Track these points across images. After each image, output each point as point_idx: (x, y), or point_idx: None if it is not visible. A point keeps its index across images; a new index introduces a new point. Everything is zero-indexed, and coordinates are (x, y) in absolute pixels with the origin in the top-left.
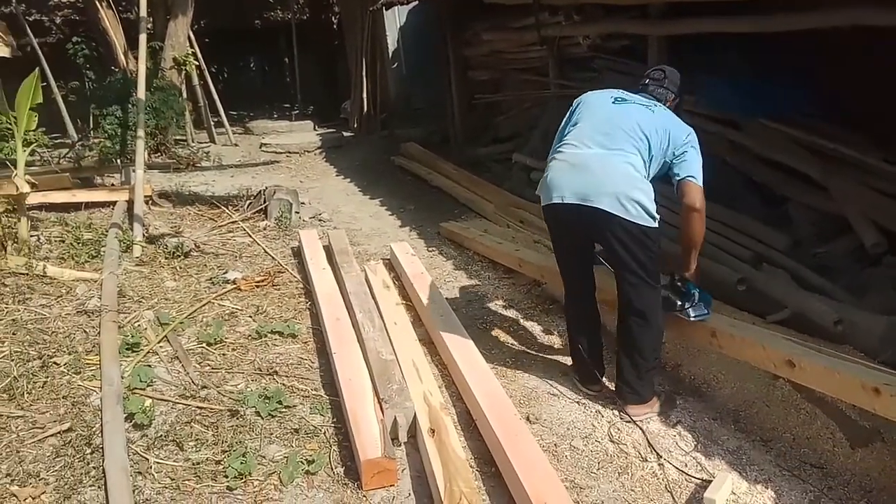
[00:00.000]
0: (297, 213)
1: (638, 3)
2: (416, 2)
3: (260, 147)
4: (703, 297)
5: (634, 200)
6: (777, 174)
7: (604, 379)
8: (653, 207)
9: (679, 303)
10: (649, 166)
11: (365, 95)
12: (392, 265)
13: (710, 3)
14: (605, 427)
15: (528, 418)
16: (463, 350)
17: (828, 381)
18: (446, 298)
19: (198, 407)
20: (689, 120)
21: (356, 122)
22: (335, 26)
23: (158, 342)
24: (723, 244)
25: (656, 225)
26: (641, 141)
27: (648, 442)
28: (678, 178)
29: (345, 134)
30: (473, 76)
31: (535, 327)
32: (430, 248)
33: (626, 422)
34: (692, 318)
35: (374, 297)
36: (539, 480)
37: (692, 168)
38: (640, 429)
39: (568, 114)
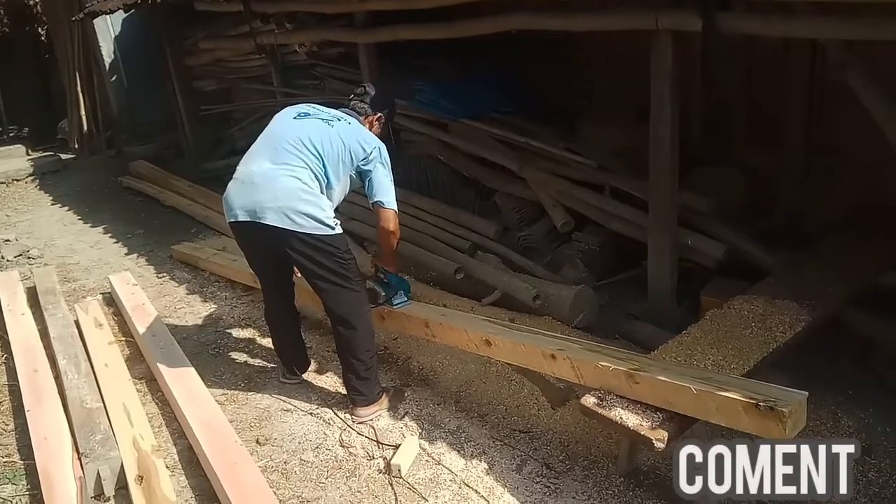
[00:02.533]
0: None
1: (343, 12)
2: (124, 11)
3: None
4: (402, 285)
5: (302, 213)
6: (484, 169)
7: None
8: (326, 216)
9: (383, 293)
10: (325, 179)
11: (83, 112)
12: (113, 299)
13: (404, 12)
14: (336, 434)
15: (257, 441)
16: (183, 382)
17: (517, 354)
18: (176, 326)
19: None
20: (405, 124)
21: (76, 142)
22: (43, 38)
23: None
24: (443, 237)
25: (336, 232)
26: (310, 155)
27: (377, 440)
28: (371, 202)
29: (63, 156)
30: (200, 86)
31: (271, 343)
32: (160, 275)
33: (358, 423)
34: (395, 306)
35: (83, 339)
36: None
37: (381, 191)
38: (372, 428)
39: None
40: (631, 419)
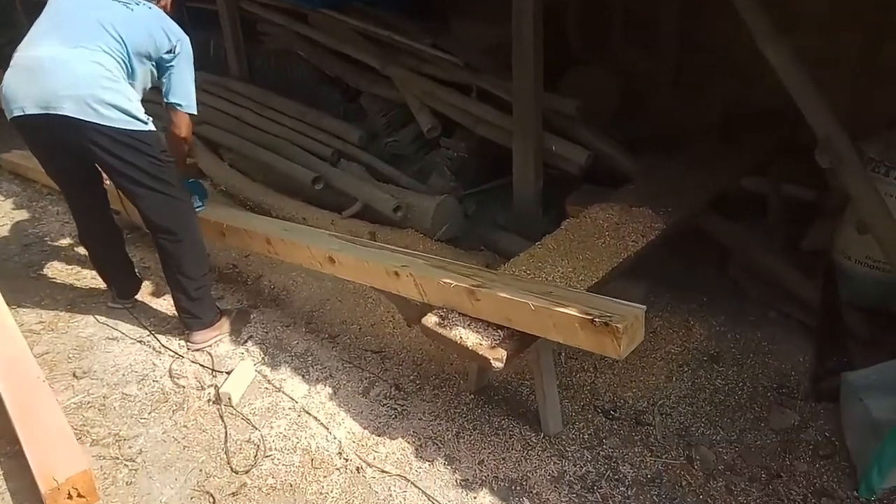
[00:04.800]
0: None
1: None
2: None
3: None
4: (195, 189)
5: (107, 103)
6: (349, 66)
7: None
8: (136, 108)
9: None
10: (130, 70)
11: None
12: None
13: None
14: (166, 363)
15: (74, 374)
16: None
17: (360, 272)
18: None
19: None
20: (260, 13)
21: None
22: None
23: None
24: (304, 143)
25: (149, 128)
26: (114, 41)
27: (212, 367)
28: (166, 102)
29: None
30: None
31: None
32: None
33: (193, 350)
34: None
35: None
36: (52, 452)
37: (179, 91)
38: (209, 355)
39: None
40: (471, 338)
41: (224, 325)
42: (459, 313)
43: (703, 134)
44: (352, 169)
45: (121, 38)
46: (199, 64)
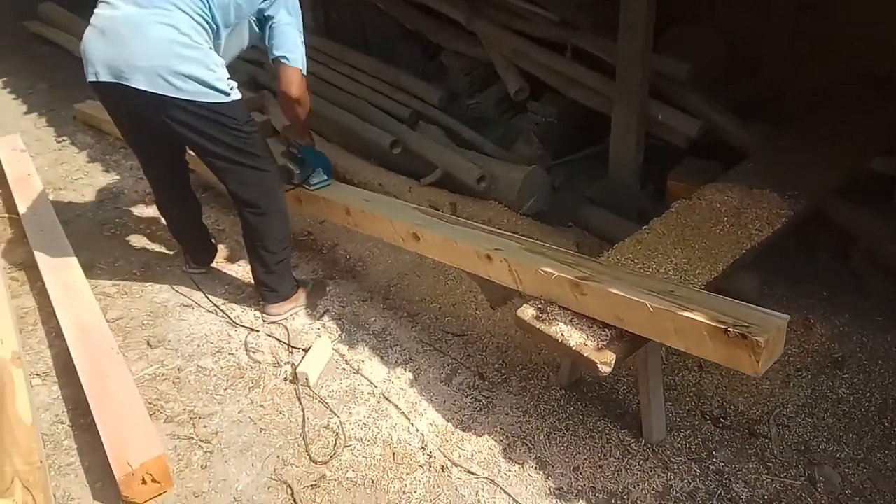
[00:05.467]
0: None
1: None
2: None
3: None
4: (320, 161)
5: (183, 74)
6: (431, 20)
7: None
8: (217, 77)
9: (297, 172)
10: (214, 29)
11: None
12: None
13: None
14: (242, 335)
15: (148, 342)
16: (59, 273)
17: (448, 252)
18: (69, 202)
19: None
20: None
21: None
22: None
23: None
24: (381, 102)
25: (231, 99)
26: None
27: (288, 343)
28: (271, 57)
29: None
30: None
31: None
32: (60, 138)
33: (269, 323)
34: (312, 188)
35: None
36: (126, 434)
37: (285, 44)
38: (285, 328)
39: None
40: (574, 336)
41: (300, 297)
42: (560, 306)
43: (824, 102)
44: (431, 132)
45: None
46: None
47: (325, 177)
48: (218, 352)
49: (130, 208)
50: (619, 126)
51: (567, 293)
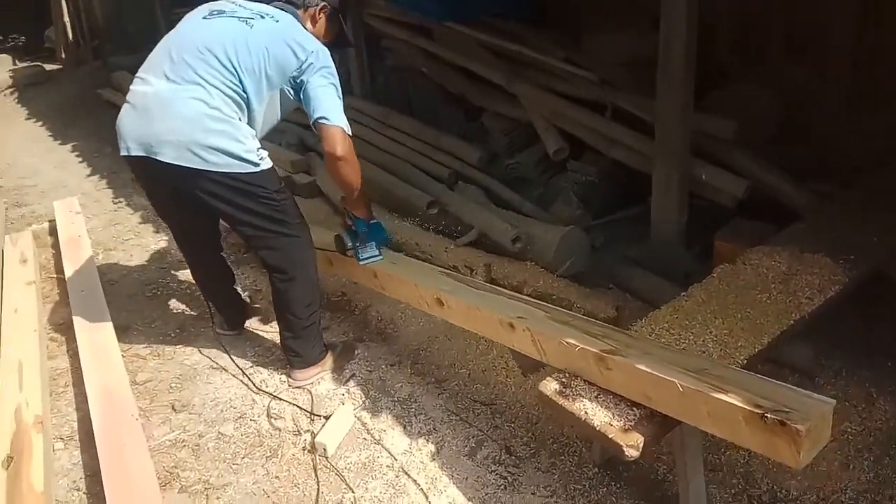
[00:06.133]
0: None
1: None
2: None
3: None
4: (376, 234)
5: (211, 147)
6: (473, 84)
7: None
8: (246, 150)
9: (349, 244)
10: (245, 100)
11: (67, 19)
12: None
13: None
14: (266, 401)
15: (172, 407)
16: (92, 334)
17: (472, 320)
18: (116, 263)
19: None
20: (382, 28)
21: (62, 51)
22: None
23: None
24: (422, 163)
25: (261, 169)
26: (221, 68)
27: (311, 410)
28: (312, 120)
29: (48, 68)
30: None
31: None
32: (117, 199)
33: (294, 388)
34: (361, 262)
35: (1, 278)
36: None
37: (322, 105)
38: (310, 393)
39: None
40: (598, 415)
41: (327, 361)
42: (585, 381)
43: (883, 163)
44: (469, 192)
45: (231, 64)
46: None
47: (377, 252)
48: (240, 417)
49: (175, 270)
50: (659, 186)
51: (592, 367)
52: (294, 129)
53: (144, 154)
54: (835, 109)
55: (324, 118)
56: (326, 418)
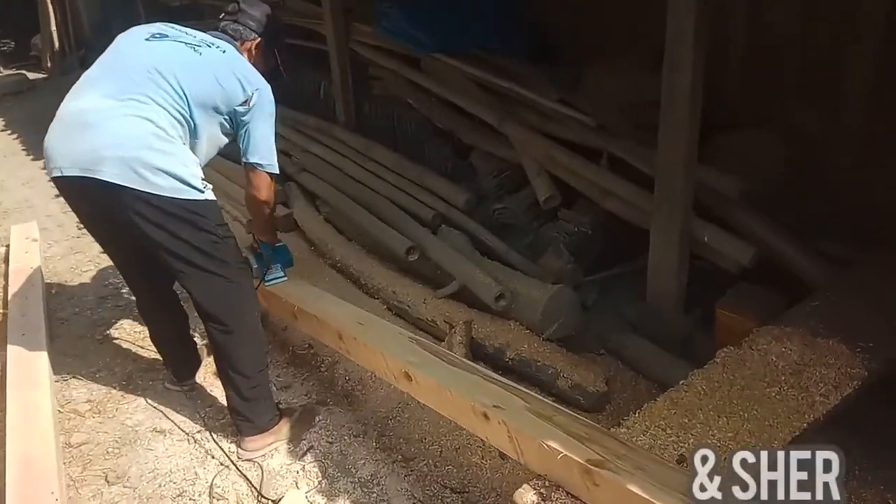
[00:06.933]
0: None
1: None
2: None
3: None
4: (280, 257)
5: (156, 168)
6: (462, 119)
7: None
8: (192, 174)
9: (255, 266)
10: (192, 127)
11: (54, 27)
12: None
13: None
14: (211, 475)
15: (106, 478)
16: (26, 392)
17: (442, 402)
18: (70, 297)
19: None
20: (369, 56)
21: (48, 60)
22: None
23: None
24: (403, 202)
25: (205, 198)
26: (172, 91)
27: (259, 492)
28: (244, 161)
29: (32, 76)
30: (166, 0)
31: None
32: (80, 225)
33: (244, 459)
34: (267, 283)
35: None
36: None
37: (260, 149)
38: (260, 468)
39: None
40: None
41: (283, 429)
42: (568, 493)
43: None
44: (453, 238)
45: (181, 88)
46: (308, 106)
47: (282, 274)
48: (179, 496)
49: (130, 308)
50: (657, 245)
51: (576, 479)
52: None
53: (80, 173)
54: (851, 156)
55: (257, 164)
56: (275, 503)
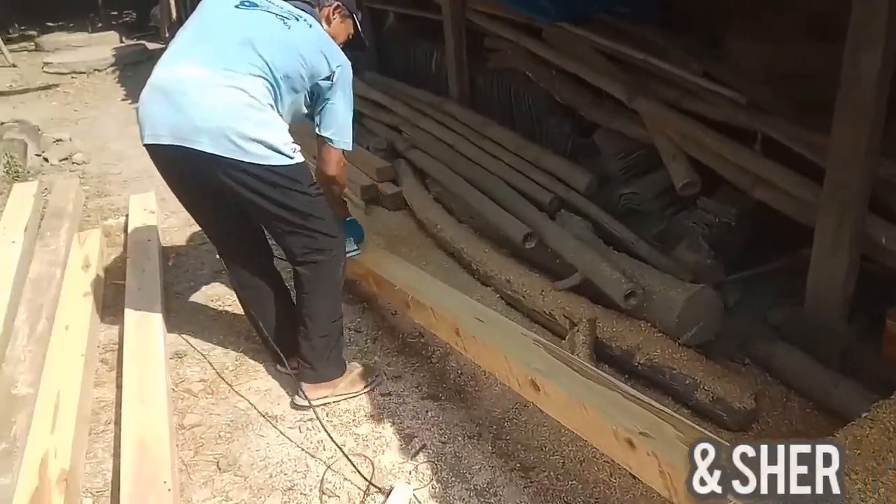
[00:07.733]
0: (41, 154)
1: None
2: None
3: (42, 67)
4: (352, 231)
5: (251, 138)
6: (586, 94)
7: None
8: (283, 141)
9: None
10: (278, 95)
11: None
12: None
13: None
14: (321, 467)
15: (217, 464)
16: (142, 364)
17: (573, 417)
18: (186, 271)
19: None
20: (486, 26)
21: (167, 30)
22: None
23: None
24: (520, 184)
25: (296, 161)
26: (262, 64)
27: (370, 482)
28: (317, 134)
29: (151, 47)
30: None
31: None
32: None
33: (299, 408)
34: None
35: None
36: None
37: (335, 124)
38: (371, 462)
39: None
40: None
41: (338, 384)
42: None
43: None
44: (573, 224)
45: (272, 59)
46: (418, 79)
47: (356, 247)
48: (290, 489)
49: None
50: (823, 245)
51: None
52: (383, 132)
53: (176, 142)
54: None
55: (330, 139)
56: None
